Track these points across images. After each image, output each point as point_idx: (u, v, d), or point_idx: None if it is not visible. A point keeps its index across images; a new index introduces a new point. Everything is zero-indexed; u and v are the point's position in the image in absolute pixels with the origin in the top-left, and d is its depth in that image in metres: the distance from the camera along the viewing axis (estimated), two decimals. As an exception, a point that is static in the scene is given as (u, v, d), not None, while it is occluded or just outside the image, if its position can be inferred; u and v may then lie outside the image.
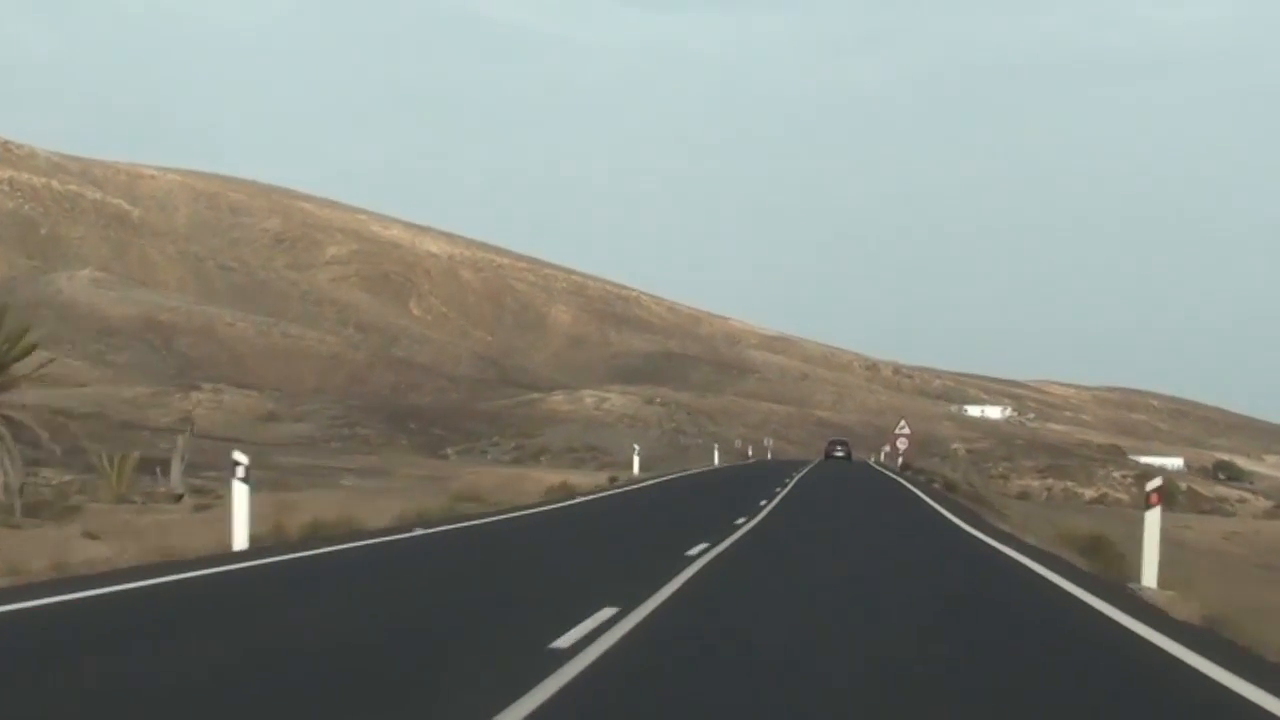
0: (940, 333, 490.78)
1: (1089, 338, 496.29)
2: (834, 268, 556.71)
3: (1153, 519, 22.28)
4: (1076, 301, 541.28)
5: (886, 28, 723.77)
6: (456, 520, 32.50)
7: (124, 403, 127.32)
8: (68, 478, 45.37)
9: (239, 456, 23.94)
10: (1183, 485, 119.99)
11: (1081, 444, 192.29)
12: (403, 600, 18.35)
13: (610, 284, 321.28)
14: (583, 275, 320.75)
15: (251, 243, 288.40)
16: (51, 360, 43.09)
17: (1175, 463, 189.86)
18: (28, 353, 37.54)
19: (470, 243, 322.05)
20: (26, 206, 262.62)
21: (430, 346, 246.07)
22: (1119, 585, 22.14)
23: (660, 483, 63.69)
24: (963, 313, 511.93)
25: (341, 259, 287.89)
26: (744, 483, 63.54)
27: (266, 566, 21.31)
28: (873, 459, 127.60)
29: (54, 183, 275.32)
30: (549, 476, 61.16)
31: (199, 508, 37.57)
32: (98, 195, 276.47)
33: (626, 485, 59.80)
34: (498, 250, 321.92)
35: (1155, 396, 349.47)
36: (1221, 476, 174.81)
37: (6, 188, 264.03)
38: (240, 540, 23.20)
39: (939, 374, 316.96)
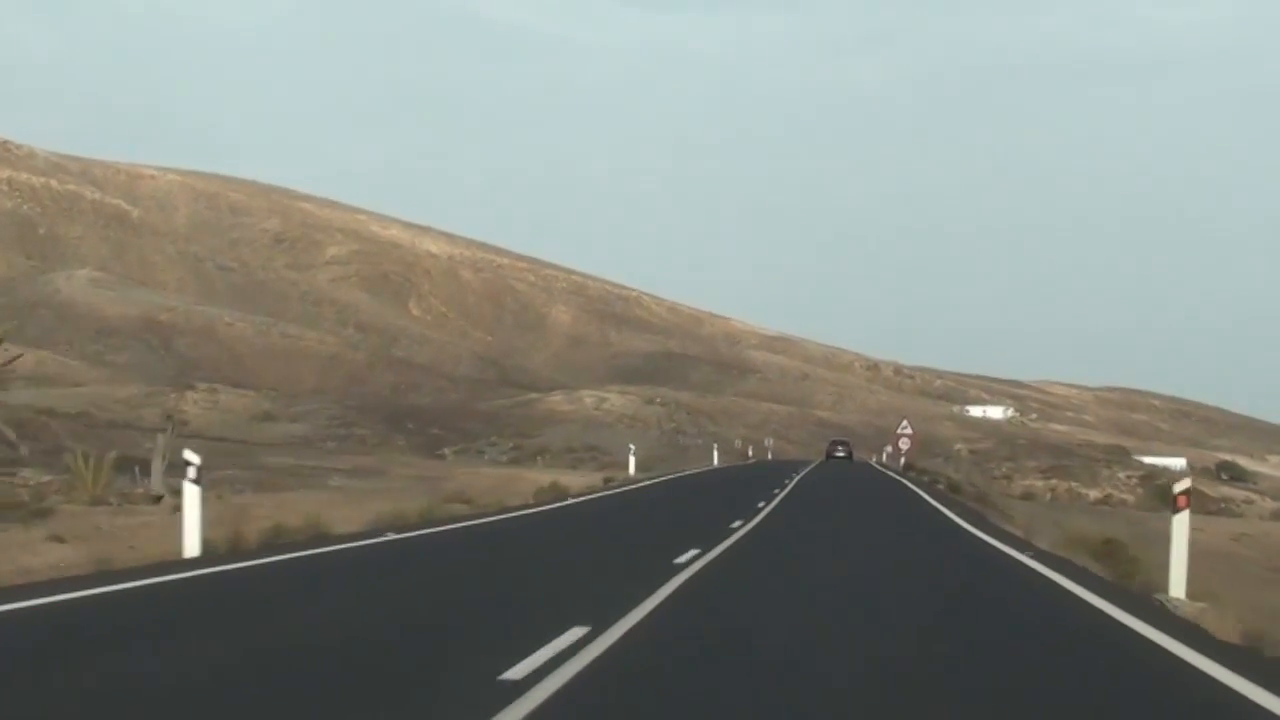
0: (941, 333, 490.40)
1: (1090, 338, 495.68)
2: (834, 268, 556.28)
3: (1181, 524, 20.71)
4: (1077, 301, 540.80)
5: (886, 28, 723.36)
6: (435, 523, 31.07)
7: (118, 402, 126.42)
8: (47, 478, 44.36)
9: (190, 456, 22.21)
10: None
11: (1085, 444, 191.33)
12: (341, 620, 16.14)
13: (610, 284, 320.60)
14: (583, 275, 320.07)
15: (251, 243, 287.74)
16: (19, 356, 41.93)
17: (1178, 463, 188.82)
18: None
19: (470, 243, 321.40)
20: (25, 206, 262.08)
21: (430, 347, 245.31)
22: (1145, 596, 20.59)
23: (656, 484, 62.39)
24: (963, 313, 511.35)
25: (341, 259, 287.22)
26: (742, 484, 62.41)
27: (203, 579, 19.27)
28: (874, 459, 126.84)
29: (53, 182, 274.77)
30: (543, 477, 60.10)
31: (178, 509, 36.42)
32: (97, 195, 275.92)
33: (621, 486, 58.49)
34: (497, 250, 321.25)
35: (1156, 397, 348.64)
36: (1225, 477, 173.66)
37: (5, 187, 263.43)
38: (191, 547, 21.61)
39: (940, 374, 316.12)
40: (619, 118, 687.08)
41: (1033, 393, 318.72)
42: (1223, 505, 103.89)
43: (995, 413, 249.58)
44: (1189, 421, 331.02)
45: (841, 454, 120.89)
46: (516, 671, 12.42)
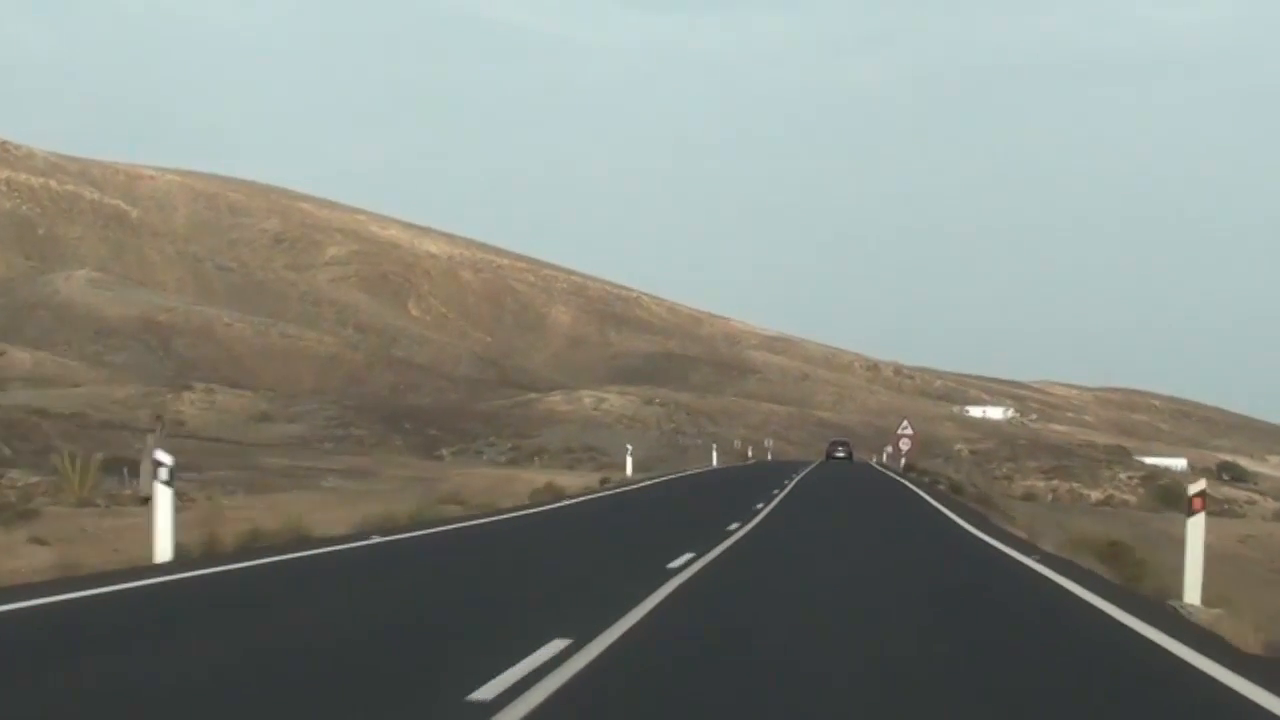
0: (941, 333, 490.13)
1: (1090, 338, 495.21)
2: (834, 268, 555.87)
3: (1196, 527, 19.75)
4: (1077, 301, 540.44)
5: (886, 28, 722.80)
6: (423, 526, 30.29)
7: (114, 403, 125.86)
8: (35, 479, 43.76)
9: (161, 456, 21.15)
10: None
11: (1086, 445, 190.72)
12: (301, 632, 15.08)
13: (610, 284, 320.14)
14: (583, 276, 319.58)
15: (250, 243, 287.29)
16: (2, 353, 41.25)
17: (1178, 463, 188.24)
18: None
19: (470, 243, 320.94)
20: (24, 207, 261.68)
21: (429, 347, 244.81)
22: (1157, 602, 19.70)
23: (653, 484, 61.63)
24: (963, 313, 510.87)
25: (341, 259, 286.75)
26: (741, 484, 61.75)
27: (165, 586, 18.21)
28: (874, 460, 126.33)
29: (52, 183, 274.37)
30: (540, 478, 59.51)
31: (177, 510, 35.86)
32: (96, 195, 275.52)
33: (617, 487, 57.75)
34: (497, 251, 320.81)
35: (1156, 397, 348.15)
36: (1225, 477, 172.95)
37: (4, 188, 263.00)
38: (163, 552, 20.63)
39: (940, 374, 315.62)
40: (619, 118, 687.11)
41: (1033, 393, 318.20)
42: (1225, 506, 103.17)
43: (995, 413, 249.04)
44: (1189, 422, 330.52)
45: (841, 454, 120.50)
46: (487, 691, 11.56)
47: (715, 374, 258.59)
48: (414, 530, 29.17)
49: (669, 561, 22.65)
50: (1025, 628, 17.47)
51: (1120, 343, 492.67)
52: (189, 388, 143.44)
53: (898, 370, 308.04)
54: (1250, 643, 15.58)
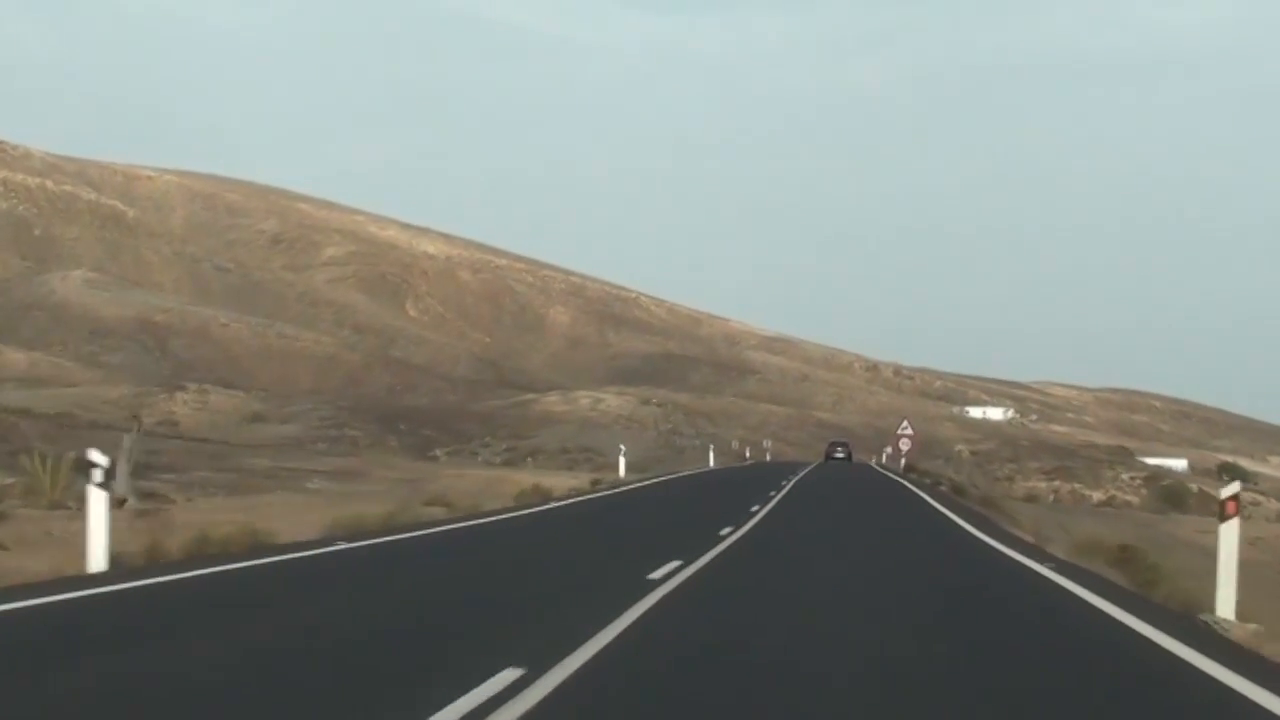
0: (941, 333, 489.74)
1: (1090, 338, 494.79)
2: (834, 268, 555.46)
3: (1229, 534, 18.20)
4: (1077, 302, 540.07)
5: (886, 28, 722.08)
6: (397, 530, 28.95)
7: (106, 403, 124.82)
8: (10, 480, 42.75)
9: (96, 457, 19.71)
10: (1194, 488, 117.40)
11: (1087, 445, 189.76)
12: (216, 660, 13.15)
13: (609, 285, 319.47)
14: (581, 276, 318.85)
15: (248, 244, 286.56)
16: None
17: (1179, 464, 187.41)
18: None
19: (468, 243, 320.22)
20: (21, 207, 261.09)
21: (427, 348, 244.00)
22: (1186, 615, 18.17)
23: (646, 486, 60.33)
24: (963, 313, 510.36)
25: (339, 260, 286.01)
26: (738, 485, 60.67)
27: (85, 601, 16.52)
28: (874, 460, 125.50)
29: (49, 183, 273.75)
30: (532, 479, 58.46)
31: (142, 514, 34.90)
32: (93, 196, 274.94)
33: (609, 489, 56.54)
34: (496, 251, 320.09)
35: (1157, 398, 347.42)
36: (1226, 478, 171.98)
37: (1, 188, 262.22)
38: (97, 561, 19.25)
39: (940, 375, 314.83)
40: (619, 118, 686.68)
41: (1032, 394, 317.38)
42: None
43: (995, 414, 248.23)
44: (1189, 422, 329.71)
45: (841, 455, 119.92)
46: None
47: (714, 374, 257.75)
48: (384, 535, 27.74)
49: (651, 571, 21.02)
50: (1051, 648, 15.66)
51: (1120, 343, 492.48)
52: (182, 388, 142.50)
53: (897, 371, 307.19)
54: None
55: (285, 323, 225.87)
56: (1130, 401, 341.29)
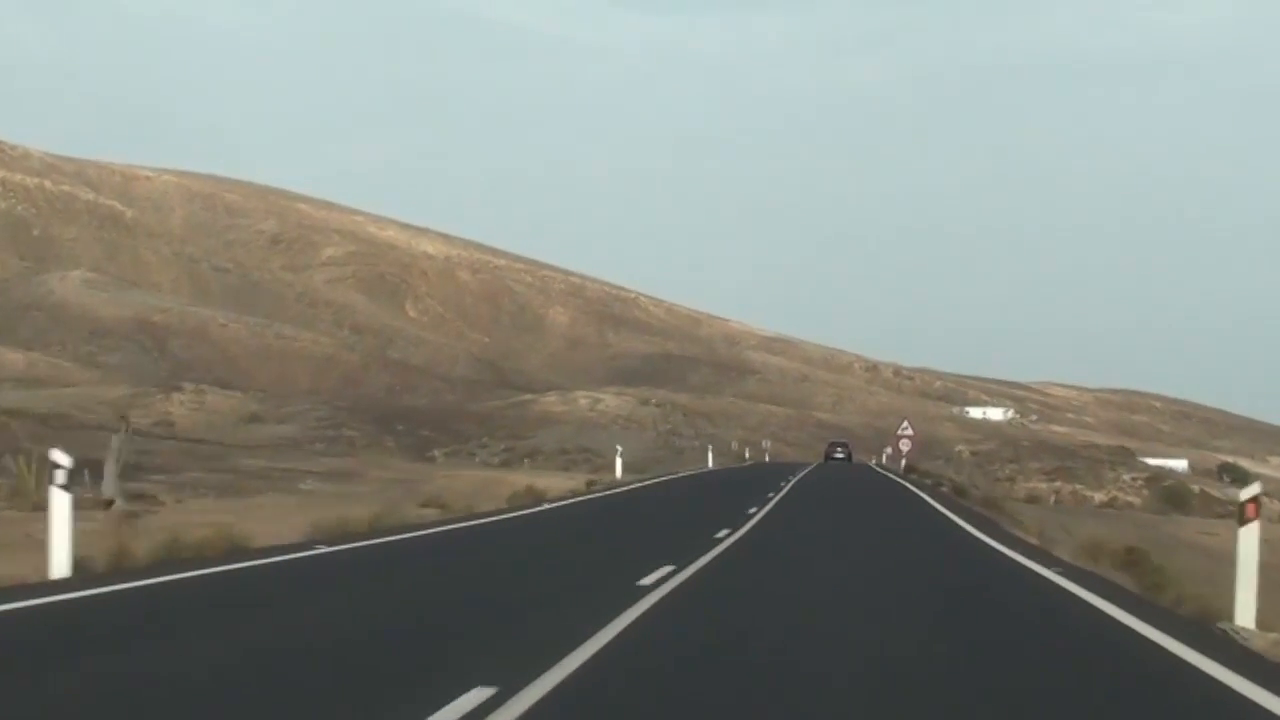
0: (941, 334, 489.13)
1: (1090, 339, 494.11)
2: (834, 268, 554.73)
3: (1249, 538, 17.48)
4: (1077, 302, 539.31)
5: (886, 28, 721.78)
6: (382, 533, 28.18)
7: (102, 404, 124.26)
8: (-3, 482, 42.24)
9: (58, 457, 19.01)
10: (1195, 488, 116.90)
11: (1088, 445, 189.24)
12: (165, 674, 12.29)
13: (609, 285, 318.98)
14: (581, 276, 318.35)
15: (247, 244, 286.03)
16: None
17: (1180, 465, 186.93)
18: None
19: (468, 244, 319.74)
20: (19, 207, 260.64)
21: (426, 348, 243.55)
22: (1202, 623, 17.36)
23: (642, 487, 59.67)
24: (963, 313, 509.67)
25: (338, 260, 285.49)
26: (736, 486, 60.11)
27: (40, 609, 15.65)
28: (874, 461, 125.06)
29: (47, 183, 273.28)
30: (527, 480, 57.88)
31: (129, 516, 34.40)
32: (91, 196, 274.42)
33: (604, 490, 55.88)
34: (495, 251, 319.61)
35: (1157, 398, 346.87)
36: (1226, 479, 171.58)
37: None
38: (60, 566, 18.53)
39: (940, 375, 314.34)
40: (619, 118, 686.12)
41: (1032, 394, 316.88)
42: (1231, 508, 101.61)
43: (995, 414, 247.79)
44: (1189, 423, 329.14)
45: (840, 456, 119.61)
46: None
47: (714, 375, 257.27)
48: (369, 538, 26.94)
49: (642, 577, 20.15)
50: (1062, 654, 14.94)
51: (1120, 343, 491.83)
52: (178, 388, 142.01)
53: (897, 371, 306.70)
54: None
55: (284, 323, 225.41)
56: (1130, 402, 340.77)
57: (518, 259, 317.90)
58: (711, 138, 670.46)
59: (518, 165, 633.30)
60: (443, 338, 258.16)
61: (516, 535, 31.00)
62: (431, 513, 35.59)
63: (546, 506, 41.85)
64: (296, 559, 22.69)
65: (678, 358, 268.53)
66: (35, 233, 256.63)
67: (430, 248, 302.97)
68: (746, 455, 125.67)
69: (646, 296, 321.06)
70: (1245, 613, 17.27)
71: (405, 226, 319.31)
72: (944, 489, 64.76)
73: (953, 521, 40.15)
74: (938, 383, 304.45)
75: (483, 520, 34.64)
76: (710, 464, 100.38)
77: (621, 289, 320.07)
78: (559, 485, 55.56)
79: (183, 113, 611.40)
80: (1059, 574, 23.37)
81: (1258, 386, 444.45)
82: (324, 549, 24.35)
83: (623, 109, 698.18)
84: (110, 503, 37.29)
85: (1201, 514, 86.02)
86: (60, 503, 18.92)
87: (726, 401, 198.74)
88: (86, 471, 40.08)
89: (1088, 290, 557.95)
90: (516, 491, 44.96)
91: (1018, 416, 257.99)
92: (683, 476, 74.67)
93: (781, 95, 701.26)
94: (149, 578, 19.10)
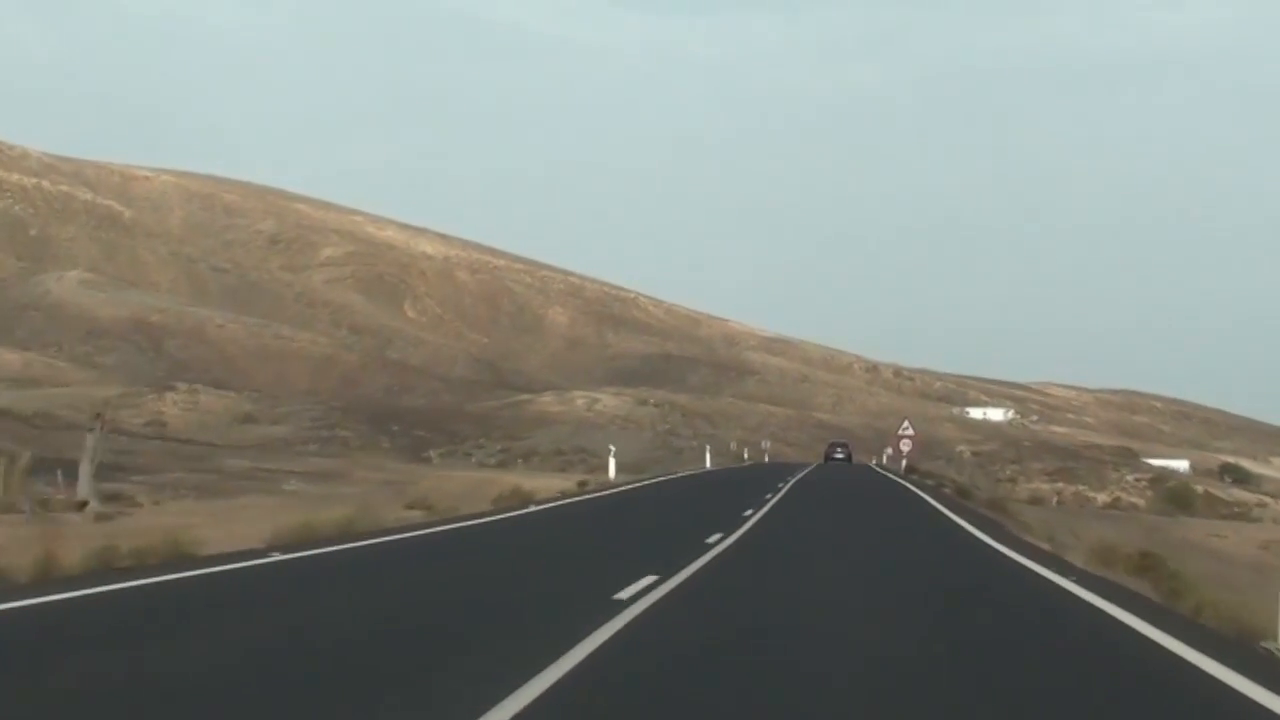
0: (941, 334, 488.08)
1: (1090, 339, 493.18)
2: (834, 268, 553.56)
3: None
4: (1077, 302, 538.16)
5: (886, 29, 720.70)
6: (351, 538, 26.67)
7: (94, 404, 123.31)
8: (-27, 483, 41.08)
9: None
10: (1199, 489, 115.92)
11: (1090, 446, 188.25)
12: (69, 698, 10.86)
13: (608, 285, 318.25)
14: (580, 277, 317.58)
15: (245, 244, 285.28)
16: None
17: (1181, 465, 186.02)
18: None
19: (466, 244, 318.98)
20: (17, 207, 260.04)
21: (425, 348, 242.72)
22: (1242, 642, 15.97)
23: (635, 488, 58.34)
24: (963, 314, 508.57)
25: (336, 260, 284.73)
26: (733, 487, 58.96)
27: None
28: (874, 461, 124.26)
29: (45, 183, 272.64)
30: (522, 480, 56.75)
31: (101, 518, 33.30)
32: (89, 196, 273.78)
33: (596, 491, 54.68)
34: (494, 251, 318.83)
35: (1157, 399, 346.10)
36: (1228, 480, 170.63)
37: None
38: None
39: (940, 376, 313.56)
40: (619, 118, 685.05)
41: (1032, 395, 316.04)
42: (1236, 510, 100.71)
43: (996, 415, 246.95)
44: (1190, 423, 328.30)
45: (840, 456, 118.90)
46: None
47: (713, 375, 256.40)
48: (334, 544, 25.32)
49: (620, 589, 18.42)
50: (1104, 687, 13.12)
51: (1120, 343, 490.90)
52: (171, 388, 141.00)
53: (897, 372, 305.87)
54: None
55: (282, 323, 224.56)
56: (1130, 402, 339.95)
57: (517, 259, 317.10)
58: (711, 138, 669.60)
59: (517, 165, 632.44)
60: (441, 338, 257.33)
61: (494, 540, 29.45)
62: (415, 515, 34.47)
63: (533, 509, 40.52)
64: (240, 569, 20.85)
65: (677, 358, 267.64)
66: (33, 233, 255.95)
67: (429, 248, 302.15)
68: (745, 456, 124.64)
69: (646, 297, 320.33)
70: None
71: (404, 227, 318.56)
72: (946, 490, 63.72)
73: (955, 523, 39.07)
74: (938, 383, 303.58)
75: (463, 524, 33.17)
76: (708, 464, 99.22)
77: (621, 289, 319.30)
78: (550, 486, 54.33)
79: (181, 113, 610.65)
80: (1074, 582, 21.99)
81: (1258, 386, 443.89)
82: (278, 556, 22.66)
83: (622, 109, 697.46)
84: (83, 504, 36.13)
85: (1207, 515, 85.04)
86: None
87: (726, 402, 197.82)
88: (60, 472, 38.98)
89: (1088, 290, 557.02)
90: (503, 493, 43.73)
91: (1018, 417, 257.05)
92: (679, 477, 73.50)
93: (781, 96, 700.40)
94: (58, 593, 17.19)
